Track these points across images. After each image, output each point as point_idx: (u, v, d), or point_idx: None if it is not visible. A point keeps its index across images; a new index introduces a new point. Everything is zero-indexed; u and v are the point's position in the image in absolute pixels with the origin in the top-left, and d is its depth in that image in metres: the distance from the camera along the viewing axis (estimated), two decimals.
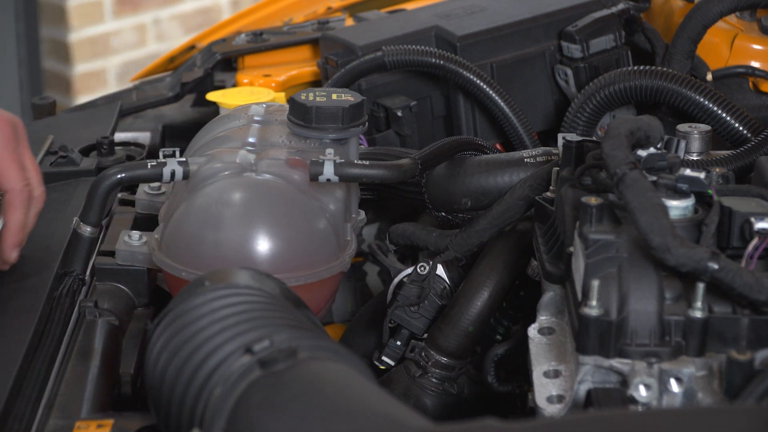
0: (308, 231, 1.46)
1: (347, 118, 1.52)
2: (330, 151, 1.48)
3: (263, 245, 1.43)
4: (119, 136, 1.92)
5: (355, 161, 1.49)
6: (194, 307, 1.23)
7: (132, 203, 1.70)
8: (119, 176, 1.51)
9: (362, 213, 1.58)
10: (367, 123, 1.56)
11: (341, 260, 1.48)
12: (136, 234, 1.53)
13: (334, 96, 1.54)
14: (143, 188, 1.67)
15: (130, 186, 1.72)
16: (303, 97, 1.53)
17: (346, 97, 1.54)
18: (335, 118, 1.52)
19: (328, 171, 1.45)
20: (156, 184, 1.66)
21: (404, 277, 1.62)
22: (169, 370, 1.18)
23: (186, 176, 1.49)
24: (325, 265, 1.46)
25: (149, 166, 1.49)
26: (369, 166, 1.48)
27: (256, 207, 1.45)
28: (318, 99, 1.53)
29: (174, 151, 1.50)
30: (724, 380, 1.16)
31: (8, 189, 1.44)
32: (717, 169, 1.35)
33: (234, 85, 2.05)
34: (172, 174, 1.48)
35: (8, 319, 1.39)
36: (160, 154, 1.50)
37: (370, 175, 1.48)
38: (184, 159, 1.49)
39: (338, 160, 1.46)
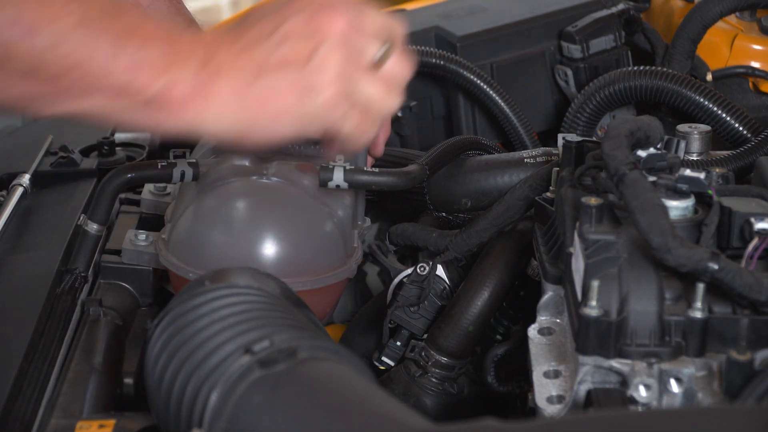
0: (316, 236, 1.46)
1: None
2: (340, 157, 1.48)
3: (271, 249, 1.43)
4: (119, 137, 1.92)
5: (365, 168, 1.50)
6: (194, 306, 1.23)
7: (134, 202, 1.69)
8: (129, 175, 1.51)
9: (368, 220, 1.59)
10: None
11: (348, 266, 1.48)
12: (142, 234, 1.54)
13: None
14: (149, 188, 1.67)
15: (132, 186, 1.72)
16: None
17: None
18: None
19: (338, 177, 1.45)
20: (161, 185, 1.66)
21: (404, 278, 1.62)
22: (169, 370, 1.18)
23: (196, 178, 1.49)
24: (331, 271, 1.46)
25: (159, 167, 1.49)
26: (378, 173, 1.48)
27: (265, 210, 1.45)
28: None
29: (184, 152, 1.50)
30: (724, 380, 1.16)
31: None
32: (717, 169, 1.35)
33: None
34: (182, 175, 1.49)
35: (8, 317, 1.39)
36: (170, 155, 1.50)
37: (380, 183, 1.48)
38: (194, 160, 1.49)
39: (348, 167, 1.46)
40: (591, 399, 1.20)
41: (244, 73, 1.20)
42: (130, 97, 1.17)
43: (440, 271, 1.60)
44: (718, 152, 1.62)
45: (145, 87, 1.17)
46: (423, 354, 1.55)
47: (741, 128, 1.67)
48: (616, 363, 1.19)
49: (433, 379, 1.55)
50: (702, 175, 1.26)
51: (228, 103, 1.20)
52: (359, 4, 1.26)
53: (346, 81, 1.23)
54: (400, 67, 1.28)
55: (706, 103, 1.68)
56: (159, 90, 1.18)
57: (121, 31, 1.17)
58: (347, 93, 1.23)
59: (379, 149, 1.58)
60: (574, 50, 1.89)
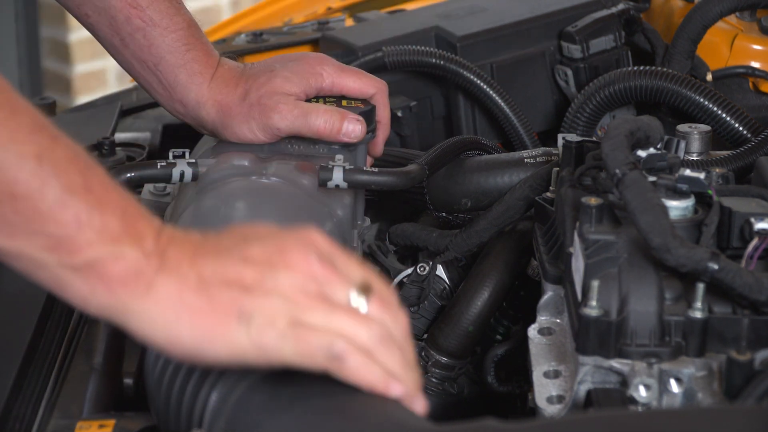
0: None
1: None
2: (339, 157, 1.48)
3: None
4: (119, 137, 1.92)
5: (364, 168, 1.50)
6: None
7: None
8: (128, 175, 1.51)
9: (368, 220, 1.58)
10: (375, 129, 1.56)
11: None
12: None
13: (344, 103, 1.54)
14: (148, 188, 1.67)
15: (131, 186, 1.71)
16: (313, 102, 1.53)
17: (356, 104, 1.54)
18: None
19: (337, 177, 1.45)
20: (161, 185, 1.66)
21: (404, 278, 1.62)
22: (169, 369, 1.18)
23: (195, 178, 1.48)
24: None
25: (159, 167, 1.49)
26: (378, 173, 1.48)
27: (264, 211, 1.44)
28: (328, 105, 1.53)
29: (183, 152, 1.50)
30: (724, 380, 1.16)
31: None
32: (717, 169, 1.35)
33: None
34: (182, 175, 1.48)
35: (8, 317, 1.39)
36: (170, 155, 1.50)
37: (379, 182, 1.48)
38: (193, 160, 1.49)
39: (347, 167, 1.46)
40: (591, 399, 1.20)
41: (187, 280, 1.08)
42: (63, 254, 1.07)
43: (440, 271, 1.60)
44: (718, 152, 1.62)
45: (82, 249, 1.07)
46: (423, 354, 1.55)
47: (741, 128, 1.67)
48: (616, 363, 1.19)
49: (433, 379, 1.55)
50: (702, 175, 1.26)
51: (159, 304, 1.08)
52: (339, 251, 1.12)
53: (292, 309, 1.07)
54: (381, 312, 1.10)
55: (706, 103, 1.68)
56: (96, 258, 1.07)
57: (81, 185, 1.08)
58: (289, 318, 1.07)
59: (378, 149, 1.58)
60: (574, 50, 1.89)
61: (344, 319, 1.08)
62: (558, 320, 1.35)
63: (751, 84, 1.88)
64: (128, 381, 1.40)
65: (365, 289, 1.10)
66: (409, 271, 1.62)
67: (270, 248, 1.10)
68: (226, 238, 1.12)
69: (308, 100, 1.53)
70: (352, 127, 1.49)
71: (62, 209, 1.06)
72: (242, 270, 1.09)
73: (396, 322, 1.11)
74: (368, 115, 1.53)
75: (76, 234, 1.07)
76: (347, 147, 1.53)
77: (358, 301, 1.10)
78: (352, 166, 1.46)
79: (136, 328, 1.09)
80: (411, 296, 1.60)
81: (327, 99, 1.54)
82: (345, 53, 1.90)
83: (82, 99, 4.17)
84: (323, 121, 1.49)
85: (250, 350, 1.08)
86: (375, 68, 1.83)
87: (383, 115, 1.57)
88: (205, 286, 1.08)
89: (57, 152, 1.08)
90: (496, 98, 1.82)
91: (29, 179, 1.06)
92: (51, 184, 1.06)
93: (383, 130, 1.57)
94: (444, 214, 1.65)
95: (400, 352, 1.10)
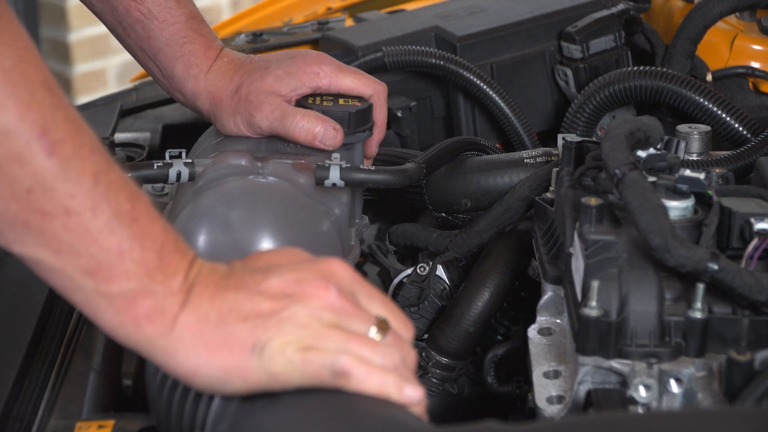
0: (313, 235, 1.45)
1: (353, 123, 1.52)
2: (336, 155, 1.48)
3: (267, 248, 1.42)
4: (119, 137, 1.92)
5: (361, 166, 1.49)
6: None
7: None
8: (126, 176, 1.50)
9: (366, 218, 1.58)
10: (373, 128, 1.56)
11: None
12: None
13: (341, 101, 1.54)
14: (146, 188, 1.67)
15: None
16: (309, 101, 1.53)
17: (353, 102, 1.54)
18: (341, 122, 1.51)
19: (334, 175, 1.45)
20: (159, 185, 1.66)
21: (404, 278, 1.62)
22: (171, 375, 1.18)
23: (192, 178, 1.48)
24: None
25: (155, 167, 1.49)
26: (374, 171, 1.48)
27: (262, 210, 1.44)
28: (325, 103, 1.53)
29: (180, 152, 1.50)
30: (724, 381, 1.16)
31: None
32: (717, 170, 1.35)
33: None
34: (178, 175, 1.48)
35: (8, 317, 1.39)
36: (166, 155, 1.50)
37: (376, 180, 1.48)
38: (190, 160, 1.49)
39: (344, 165, 1.46)
40: (591, 399, 1.20)
41: (207, 318, 1.10)
42: (100, 280, 1.08)
43: (440, 271, 1.60)
44: (718, 152, 1.62)
45: (119, 278, 1.08)
46: (423, 354, 1.55)
47: (741, 128, 1.67)
48: (616, 363, 1.19)
49: (434, 380, 1.55)
50: (702, 176, 1.26)
51: (182, 342, 1.10)
52: (361, 284, 1.14)
53: (305, 337, 1.08)
54: (396, 348, 1.11)
55: (706, 103, 1.68)
56: (129, 290, 1.09)
57: (129, 212, 1.09)
58: (300, 345, 1.08)
59: (371, 150, 1.59)
60: (574, 50, 1.89)
61: (358, 345, 1.09)
62: (558, 320, 1.35)
63: (751, 84, 1.88)
64: (127, 381, 1.40)
65: (383, 327, 1.12)
66: (409, 271, 1.62)
67: (288, 279, 1.12)
68: (249, 271, 1.14)
69: (305, 97, 1.54)
70: (327, 134, 1.49)
71: (109, 234, 1.08)
72: (259, 303, 1.10)
73: (408, 357, 1.13)
74: (364, 113, 1.54)
75: (116, 262, 1.09)
76: (344, 146, 1.53)
77: (375, 337, 1.11)
78: (348, 165, 1.46)
79: (160, 362, 1.11)
80: (411, 296, 1.60)
81: (324, 96, 1.55)
82: (345, 53, 1.90)
83: (82, 99, 4.17)
84: (299, 126, 1.49)
85: (264, 379, 1.09)
86: (375, 68, 1.83)
87: (379, 117, 1.57)
88: (224, 323, 1.10)
89: (111, 175, 1.10)
90: (496, 98, 1.82)
91: (84, 197, 1.07)
92: (102, 207, 1.08)
93: (378, 132, 1.57)
94: (444, 214, 1.65)
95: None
